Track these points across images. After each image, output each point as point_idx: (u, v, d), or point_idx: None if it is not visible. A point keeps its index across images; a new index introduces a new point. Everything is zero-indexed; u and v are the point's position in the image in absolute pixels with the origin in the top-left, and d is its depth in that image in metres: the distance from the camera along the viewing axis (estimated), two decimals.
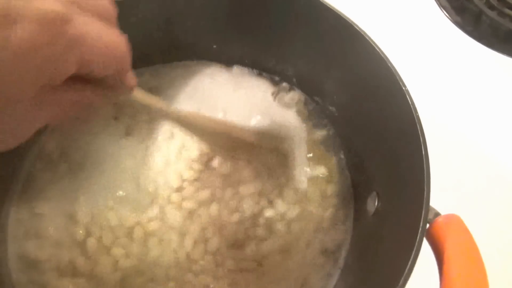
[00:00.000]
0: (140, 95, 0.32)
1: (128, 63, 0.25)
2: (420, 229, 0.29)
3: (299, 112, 0.47)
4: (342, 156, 0.45)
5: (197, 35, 0.45)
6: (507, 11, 0.60)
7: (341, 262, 0.40)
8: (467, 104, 0.53)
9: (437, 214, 0.32)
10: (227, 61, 0.48)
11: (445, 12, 0.61)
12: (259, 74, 0.48)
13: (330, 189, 0.43)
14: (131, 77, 0.28)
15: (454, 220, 0.31)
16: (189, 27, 0.44)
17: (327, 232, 0.41)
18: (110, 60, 0.23)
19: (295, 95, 0.47)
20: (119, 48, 0.23)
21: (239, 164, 0.42)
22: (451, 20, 0.60)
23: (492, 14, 0.60)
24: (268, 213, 0.41)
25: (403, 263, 0.28)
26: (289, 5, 0.40)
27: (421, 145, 0.32)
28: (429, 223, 0.32)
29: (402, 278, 0.28)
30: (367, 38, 0.36)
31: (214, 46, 0.47)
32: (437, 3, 0.62)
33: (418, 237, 0.29)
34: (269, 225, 0.40)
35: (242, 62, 0.48)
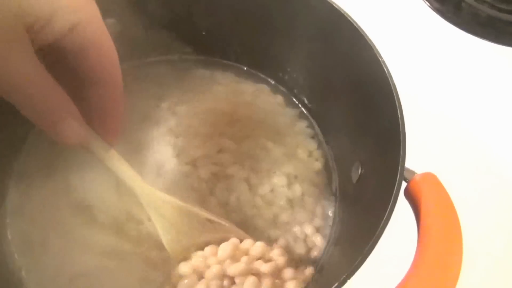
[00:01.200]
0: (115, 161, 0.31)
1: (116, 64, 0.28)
2: (397, 182, 0.31)
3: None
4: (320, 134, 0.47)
5: None
6: None
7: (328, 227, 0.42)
8: (447, 83, 0.56)
9: (413, 173, 0.34)
10: None
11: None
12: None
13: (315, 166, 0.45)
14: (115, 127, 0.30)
15: (430, 177, 0.33)
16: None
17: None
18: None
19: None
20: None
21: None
22: (431, 8, 0.63)
23: (471, 1, 0.62)
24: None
25: (382, 214, 0.30)
26: None
27: (396, 110, 0.34)
28: (406, 182, 0.33)
29: (380, 227, 0.29)
30: (352, 21, 0.38)
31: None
32: None
33: (395, 188, 0.31)
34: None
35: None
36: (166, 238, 0.35)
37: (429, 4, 0.63)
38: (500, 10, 0.61)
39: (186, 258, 0.36)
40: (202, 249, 0.37)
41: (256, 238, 0.38)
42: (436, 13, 0.62)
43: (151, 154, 0.43)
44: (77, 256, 0.38)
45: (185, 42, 0.49)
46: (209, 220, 0.37)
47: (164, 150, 0.43)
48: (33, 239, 0.39)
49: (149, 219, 0.36)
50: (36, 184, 0.41)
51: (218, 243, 0.37)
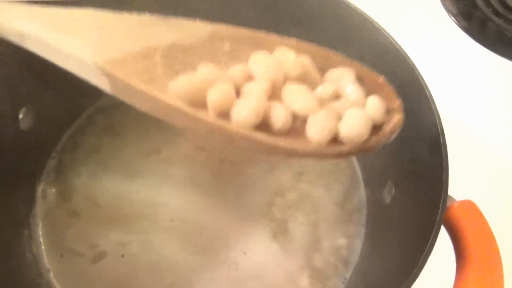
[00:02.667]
0: None
1: None
2: (440, 212, 0.31)
3: None
4: None
5: None
6: None
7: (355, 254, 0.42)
8: (470, 99, 0.56)
9: (451, 200, 0.34)
10: None
11: (453, 17, 0.63)
12: None
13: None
14: None
15: (469, 205, 0.33)
16: None
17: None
18: None
19: None
20: None
21: None
22: (458, 26, 0.63)
23: (498, 21, 0.63)
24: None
25: (421, 248, 0.30)
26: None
27: (439, 136, 0.34)
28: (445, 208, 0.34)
29: (420, 261, 0.29)
30: (387, 35, 0.38)
31: None
32: (445, 9, 0.64)
33: (436, 222, 0.31)
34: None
35: None
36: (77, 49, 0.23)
37: (456, 22, 0.63)
38: None
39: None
40: None
41: None
42: (463, 31, 0.62)
43: None
44: (104, 263, 0.38)
45: None
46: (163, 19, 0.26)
47: None
48: (63, 244, 0.39)
49: None
50: (69, 188, 0.41)
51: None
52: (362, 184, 0.45)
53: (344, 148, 0.24)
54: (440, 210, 0.31)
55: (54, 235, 0.39)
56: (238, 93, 0.24)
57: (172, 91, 0.23)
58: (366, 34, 0.39)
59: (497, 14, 0.63)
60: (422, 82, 0.36)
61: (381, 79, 0.28)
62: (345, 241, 0.42)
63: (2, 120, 0.38)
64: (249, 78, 0.25)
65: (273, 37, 0.28)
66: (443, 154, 0.33)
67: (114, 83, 0.23)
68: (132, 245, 0.39)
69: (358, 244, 0.42)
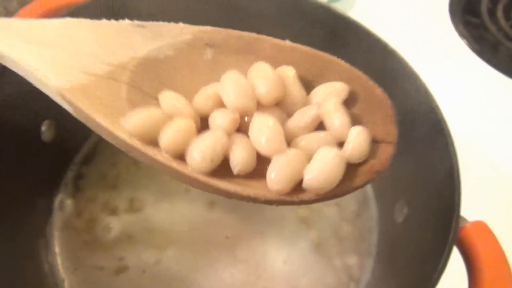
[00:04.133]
0: None
1: None
2: (452, 232, 0.31)
3: None
4: None
5: None
6: None
7: (367, 273, 0.42)
8: (483, 121, 0.57)
9: (463, 220, 0.34)
10: None
11: (465, 40, 0.64)
12: None
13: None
14: None
15: (481, 226, 0.34)
16: None
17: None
18: None
19: None
20: None
21: None
22: (470, 48, 0.64)
23: (509, 44, 0.63)
24: None
25: (433, 268, 0.30)
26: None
27: (452, 158, 0.34)
28: (457, 229, 0.34)
29: (432, 282, 0.30)
30: (401, 58, 0.39)
31: None
32: (457, 32, 0.65)
33: (448, 242, 0.31)
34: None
35: None
36: (39, 71, 0.22)
37: (468, 45, 0.64)
38: None
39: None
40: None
41: None
42: (475, 53, 0.63)
43: None
44: (124, 276, 0.39)
45: None
46: (140, 25, 0.24)
47: None
48: (79, 255, 0.40)
49: None
50: (86, 199, 0.42)
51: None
52: (374, 202, 0.46)
53: (307, 197, 0.22)
54: (452, 230, 0.31)
55: (70, 246, 0.40)
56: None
57: (124, 128, 0.21)
58: (379, 56, 0.40)
59: (508, 37, 0.64)
60: (434, 104, 0.36)
61: (378, 91, 0.25)
62: (356, 259, 0.42)
63: (26, 133, 0.39)
64: (218, 105, 0.22)
65: (263, 39, 0.25)
66: (455, 176, 0.33)
67: (75, 109, 0.22)
68: (150, 260, 0.39)
69: (370, 262, 0.42)
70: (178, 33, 0.24)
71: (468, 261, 0.33)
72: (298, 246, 0.42)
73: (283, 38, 0.26)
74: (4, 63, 0.23)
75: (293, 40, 0.27)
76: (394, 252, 0.40)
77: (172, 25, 0.25)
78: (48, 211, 0.42)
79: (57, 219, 0.41)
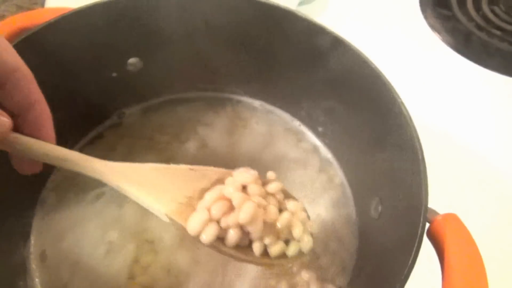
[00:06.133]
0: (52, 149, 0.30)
1: None
2: (420, 226, 0.31)
3: None
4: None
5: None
6: (495, 31, 0.64)
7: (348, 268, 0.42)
8: (459, 113, 0.57)
9: (435, 213, 0.34)
10: None
11: (436, 33, 0.65)
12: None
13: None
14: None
15: (452, 218, 0.34)
16: None
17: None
18: None
19: None
20: None
21: None
22: (442, 40, 0.64)
23: (481, 34, 0.64)
24: None
25: (405, 262, 0.31)
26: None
27: (417, 151, 0.34)
28: (428, 222, 0.34)
29: (404, 275, 0.30)
30: (370, 63, 0.39)
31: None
32: (428, 25, 0.66)
33: (418, 233, 0.31)
34: None
35: None
36: (153, 203, 0.32)
37: (440, 37, 0.64)
38: (510, 43, 0.63)
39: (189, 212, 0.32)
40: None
41: None
42: (447, 45, 0.64)
43: None
44: None
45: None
46: (192, 169, 0.34)
47: None
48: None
49: None
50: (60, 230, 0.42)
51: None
52: (352, 201, 0.46)
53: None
54: (420, 224, 0.31)
55: None
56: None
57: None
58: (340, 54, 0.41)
59: (480, 28, 0.65)
60: (398, 99, 0.37)
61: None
62: (338, 256, 0.42)
63: None
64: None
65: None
66: (421, 170, 0.33)
67: (174, 223, 0.31)
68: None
69: (352, 258, 0.42)
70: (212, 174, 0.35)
71: (439, 253, 0.33)
72: None
73: None
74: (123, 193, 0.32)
75: None
76: (374, 248, 0.40)
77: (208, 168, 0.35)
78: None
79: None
